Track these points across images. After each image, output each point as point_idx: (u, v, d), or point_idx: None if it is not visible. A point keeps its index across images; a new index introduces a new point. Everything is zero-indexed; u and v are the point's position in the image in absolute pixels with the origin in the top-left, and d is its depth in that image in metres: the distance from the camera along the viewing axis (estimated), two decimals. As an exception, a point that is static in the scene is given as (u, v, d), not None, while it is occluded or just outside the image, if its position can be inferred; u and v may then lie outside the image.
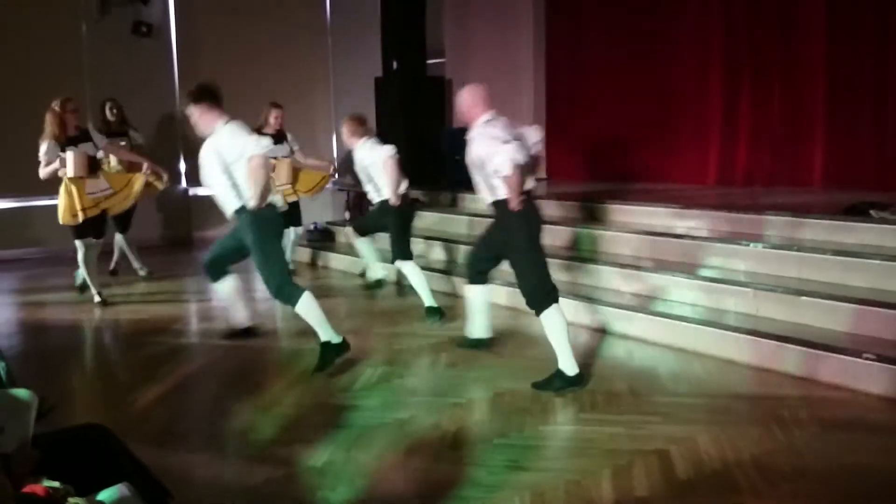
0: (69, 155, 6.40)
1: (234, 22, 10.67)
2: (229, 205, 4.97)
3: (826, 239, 5.54)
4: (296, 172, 7.86)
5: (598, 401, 4.38)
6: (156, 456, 3.14)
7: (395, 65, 10.35)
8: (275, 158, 7.27)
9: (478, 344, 5.30)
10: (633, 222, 6.80)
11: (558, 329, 4.50)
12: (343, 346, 5.00)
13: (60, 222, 6.63)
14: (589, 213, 7.19)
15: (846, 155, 7.37)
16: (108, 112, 8.10)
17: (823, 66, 7.41)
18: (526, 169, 4.46)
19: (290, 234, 7.75)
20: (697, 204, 6.66)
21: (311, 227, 9.45)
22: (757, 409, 4.19)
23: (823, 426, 3.95)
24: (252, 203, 4.78)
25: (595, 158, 9.52)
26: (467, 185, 5.11)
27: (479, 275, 5.08)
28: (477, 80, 10.06)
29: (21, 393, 2.40)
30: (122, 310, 6.82)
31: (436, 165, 9.55)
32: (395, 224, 6.43)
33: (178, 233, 10.66)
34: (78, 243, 6.72)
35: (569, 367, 4.50)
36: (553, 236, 6.97)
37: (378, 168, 6.41)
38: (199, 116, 4.92)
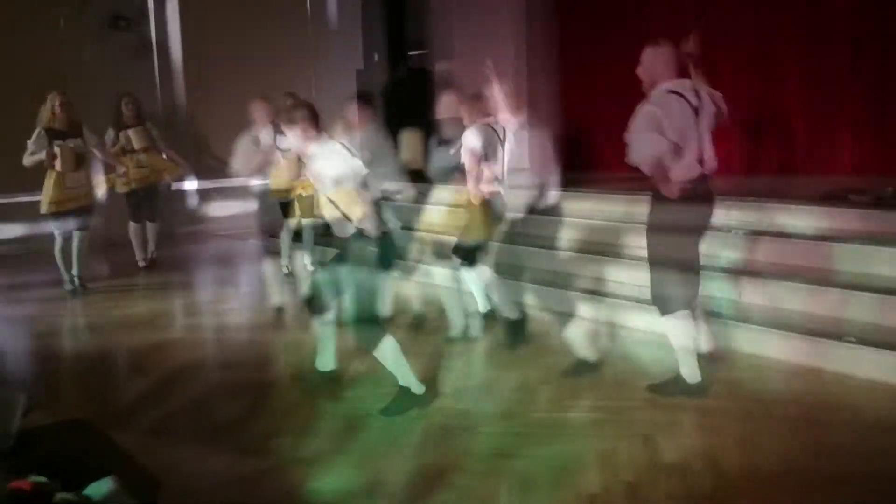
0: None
1: (214, 15, 10.59)
2: None
3: (815, 225, 5.46)
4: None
5: (582, 388, 4.39)
6: (143, 450, 3.12)
7: (376, 56, 10.32)
8: None
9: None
10: (612, 210, 6.76)
11: None
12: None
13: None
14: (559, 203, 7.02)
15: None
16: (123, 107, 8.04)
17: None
18: None
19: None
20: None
21: None
22: (736, 393, 4.23)
23: (801, 408, 4.00)
24: None
25: (575, 149, 9.50)
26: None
27: None
28: (460, 71, 9.78)
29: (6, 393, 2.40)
30: (109, 304, 6.77)
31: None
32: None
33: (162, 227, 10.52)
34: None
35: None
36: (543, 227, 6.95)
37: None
38: None
